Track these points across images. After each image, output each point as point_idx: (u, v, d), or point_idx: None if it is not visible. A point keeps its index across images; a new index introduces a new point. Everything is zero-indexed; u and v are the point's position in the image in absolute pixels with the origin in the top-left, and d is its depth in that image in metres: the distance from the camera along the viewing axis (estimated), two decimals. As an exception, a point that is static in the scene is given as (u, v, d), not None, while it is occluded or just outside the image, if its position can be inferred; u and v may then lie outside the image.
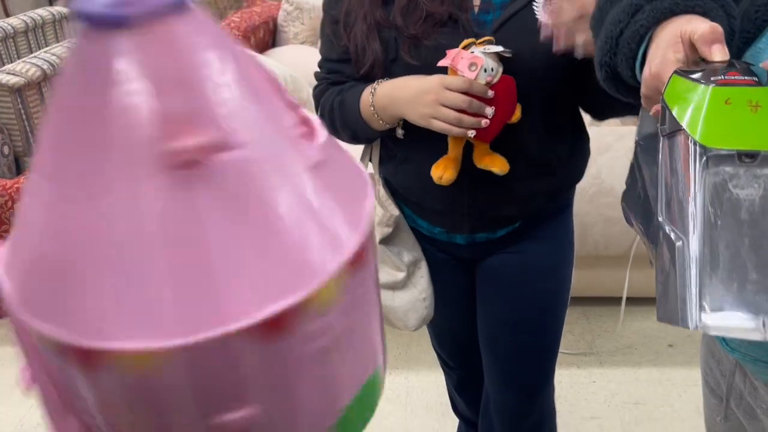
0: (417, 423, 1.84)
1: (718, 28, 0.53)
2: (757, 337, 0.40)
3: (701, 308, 0.42)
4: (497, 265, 1.21)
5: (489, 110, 0.97)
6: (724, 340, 0.75)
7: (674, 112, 0.48)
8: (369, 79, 1.12)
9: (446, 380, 1.53)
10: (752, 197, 0.43)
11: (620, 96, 0.69)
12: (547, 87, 1.04)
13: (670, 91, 0.50)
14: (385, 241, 1.19)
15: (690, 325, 0.41)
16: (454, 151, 1.04)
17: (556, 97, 1.06)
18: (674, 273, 0.44)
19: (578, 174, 1.17)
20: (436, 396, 1.92)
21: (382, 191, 1.20)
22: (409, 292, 1.21)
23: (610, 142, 1.93)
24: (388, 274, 1.19)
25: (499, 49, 0.96)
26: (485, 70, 0.96)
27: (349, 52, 1.10)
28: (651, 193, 0.55)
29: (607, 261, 1.97)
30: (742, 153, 0.44)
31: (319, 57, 1.20)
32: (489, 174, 1.04)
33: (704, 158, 0.44)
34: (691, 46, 0.54)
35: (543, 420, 1.31)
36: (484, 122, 0.97)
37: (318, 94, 1.20)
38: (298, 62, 2.72)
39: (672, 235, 0.45)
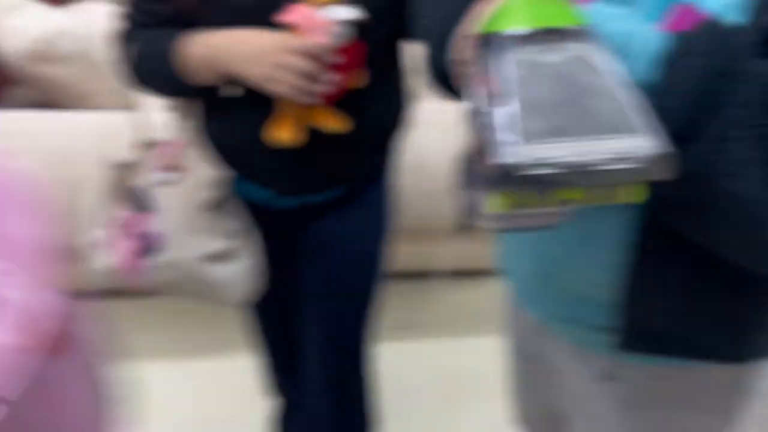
0: (237, 408, 1.73)
1: None
2: (582, 157, 0.40)
3: (518, 141, 0.42)
4: (323, 229, 1.17)
5: (334, 77, 0.92)
6: (525, 300, 0.76)
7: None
8: (187, 21, 1.00)
9: (265, 362, 1.44)
10: (560, 60, 0.46)
11: (449, 94, 0.69)
12: (390, 48, 1.02)
13: (484, 26, 0.52)
14: (211, 206, 1.08)
15: (505, 158, 0.41)
16: (290, 108, 0.97)
17: (395, 58, 1.04)
18: (490, 129, 0.44)
19: (403, 127, 1.17)
20: (251, 379, 1.82)
21: (204, 151, 1.10)
22: (237, 263, 1.12)
23: (430, 117, 1.95)
24: (214, 243, 1.08)
25: (355, 14, 0.90)
26: (334, 35, 0.89)
27: None
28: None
29: (426, 235, 2.01)
30: (543, 30, 0.47)
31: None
32: (323, 133, 0.99)
33: (510, 39, 0.47)
34: None
35: (361, 388, 1.29)
36: (328, 89, 0.93)
37: (122, 37, 1.05)
38: (101, 20, 2.45)
39: (484, 107, 0.46)
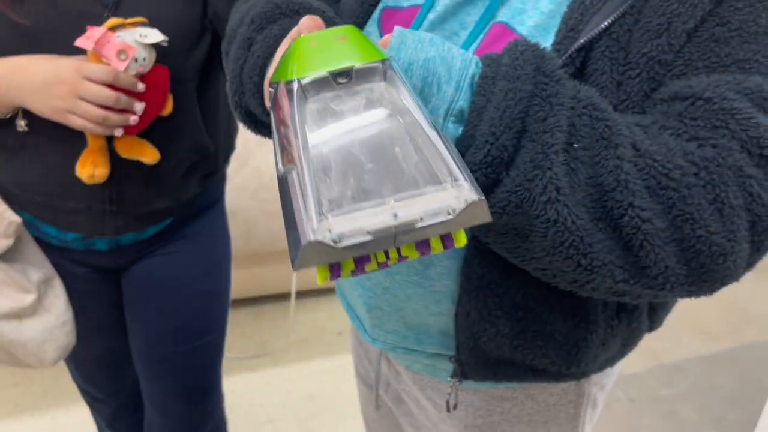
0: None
1: (317, 17, 0.53)
2: (389, 221, 0.37)
3: (320, 212, 0.37)
4: (148, 270, 1.06)
5: (139, 106, 0.85)
6: (366, 332, 0.74)
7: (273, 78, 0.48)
8: None
9: (94, 416, 1.30)
10: (355, 107, 0.42)
11: (262, 135, 0.66)
12: (200, 68, 0.94)
13: (274, 75, 0.49)
14: (5, 257, 0.94)
15: (311, 236, 0.36)
16: (97, 141, 0.88)
17: (204, 76, 0.96)
18: (291, 200, 0.40)
19: (230, 149, 1.10)
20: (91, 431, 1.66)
21: None
22: (42, 319, 0.98)
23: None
24: (12, 299, 0.94)
25: (159, 38, 0.83)
26: (136, 60, 0.81)
27: None
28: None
29: (272, 257, 1.94)
30: (335, 73, 0.43)
31: None
32: (136, 163, 0.89)
33: (299, 88, 0.43)
34: None
35: (218, 427, 1.20)
36: (133, 119, 0.85)
37: None
38: None
39: (285, 171, 0.42)
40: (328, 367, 1.95)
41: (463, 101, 0.48)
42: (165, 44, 0.85)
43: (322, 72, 0.43)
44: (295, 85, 0.43)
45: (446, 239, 0.42)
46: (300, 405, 1.80)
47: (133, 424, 1.27)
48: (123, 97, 0.82)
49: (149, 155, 0.90)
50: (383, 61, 0.44)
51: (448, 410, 0.70)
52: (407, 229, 0.38)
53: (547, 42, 0.53)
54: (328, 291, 2.25)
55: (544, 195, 0.46)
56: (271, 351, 1.98)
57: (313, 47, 0.45)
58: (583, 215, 0.47)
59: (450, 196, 0.38)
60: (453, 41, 0.59)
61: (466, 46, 0.58)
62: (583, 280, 0.50)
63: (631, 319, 0.62)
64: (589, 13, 0.52)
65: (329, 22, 0.58)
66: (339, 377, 1.92)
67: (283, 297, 2.02)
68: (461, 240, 0.42)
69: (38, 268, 0.99)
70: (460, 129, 0.48)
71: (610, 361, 0.66)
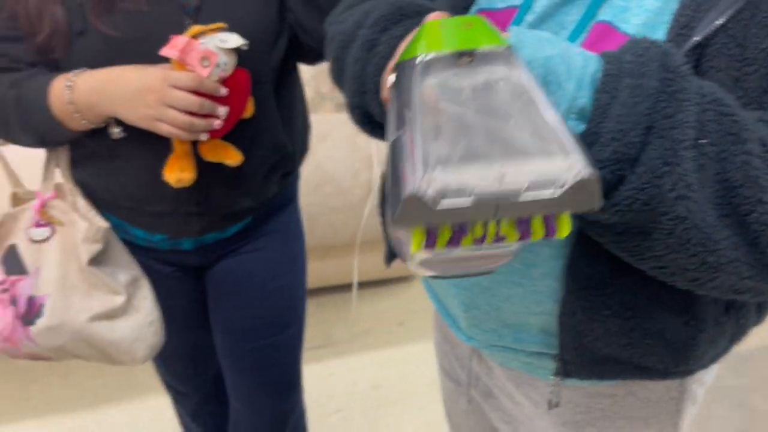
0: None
1: (446, 13, 0.53)
2: (495, 185, 0.36)
3: (427, 167, 0.36)
4: (230, 268, 1.09)
5: (222, 110, 0.87)
6: (460, 330, 0.74)
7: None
8: (49, 61, 0.90)
9: (177, 409, 1.35)
10: (473, 84, 0.42)
11: (378, 137, 0.66)
12: (277, 70, 0.96)
13: (398, 59, 0.49)
14: (95, 260, 0.98)
15: (414, 187, 0.35)
16: (183, 147, 0.90)
17: (280, 78, 0.98)
18: (400, 161, 0.39)
19: (305, 149, 1.13)
20: (167, 422, 1.72)
21: (81, 201, 0.98)
22: (132, 319, 1.02)
23: (328, 130, 1.91)
24: (102, 301, 0.98)
25: (239, 42, 0.85)
26: (218, 66, 0.83)
27: (16, 25, 0.88)
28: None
29: (334, 250, 1.97)
30: (458, 53, 0.43)
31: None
32: (220, 165, 0.92)
33: (422, 64, 0.43)
34: None
35: (299, 421, 1.24)
36: (217, 124, 0.87)
37: None
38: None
39: (397, 136, 0.42)
40: (391, 358, 1.97)
41: (584, 99, 0.48)
42: (245, 48, 0.87)
43: (445, 51, 0.44)
44: (418, 60, 0.44)
45: (549, 225, 0.41)
46: (365, 395, 1.83)
47: (215, 416, 1.31)
48: (207, 102, 0.84)
49: (233, 157, 0.93)
50: (507, 48, 0.44)
51: (550, 408, 0.70)
52: (511, 198, 0.37)
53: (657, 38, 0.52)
54: (388, 282, 2.28)
55: (674, 191, 0.45)
56: (334, 342, 2.01)
57: (440, 30, 0.45)
58: (710, 212, 0.47)
59: (561, 168, 0.37)
60: None
61: None
62: (706, 278, 0.49)
63: (739, 315, 0.61)
64: (702, 10, 0.51)
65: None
66: (402, 368, 1.94)
67: (345, 288, 2.05)
68: (564, 228, 0.41)
69: (126, 270, 1.03)
70: (582, 126, 0.48)
71: (716, 358, 0.65)
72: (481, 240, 0.41)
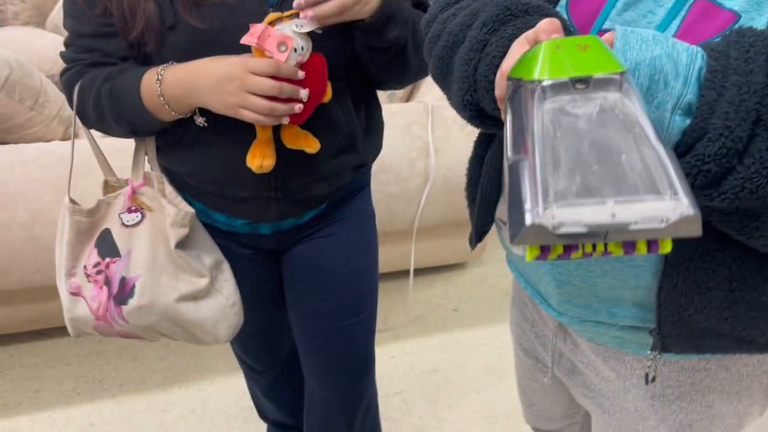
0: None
1: (556, 20, 0.54)
2: (606, 219, 0.40)
3: (546, 200, 0.41)
4: (306, 252, 1.13)
5: (303, 93, 0.88)
6: (550, 307, 0.77)
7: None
8: (140, 55, 0.94)
9: (251, 386, 1.41)
10: (589, 113, 0.45)
11: (488, 129, 0.69)
12: (350, 58, 0.98)
13: (513, 70, 0.52)
14: (182, 244, 1.03)
15: (536, 219, 0.40)
16: (265, 134, 0.94)
17: (355, 68, 1.00)
18: (520, 186, 0.44)
19: (379, 144, 1.14)
20: (234, 402, 1.79)
21: (168, 188, 1.03)
22: (215, 300, 1.07)
23: (385, 119, 1.94)
24: (188, 282, 1.03)
25: (313, 26, 0.87)
26: (295, 50, 0.86)
27: (109, 22, 0.92)
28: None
29: (392, 237, 2.00)
30: (575, 80, 0.46)
31: (49, 38, 0.97)
32: (299, 153, 0.96)
33: (540, 89, 0.46)
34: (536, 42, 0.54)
35: (371, 404, 1.28)
36: (298, 107, 0.89)
37: (71, 80, 0.98)
38: (23, 46, 2.30)
39: (518, 158, 0.46)
40: (447, 342, 2.00)
41: (691, 95, 0.50)
42: (319, 32, 0.89)
43: (563, 77, 0.47)
44: (538, 86, 0.47)
45: (652, 243, 0.44)
46: (424, 378, 1.87)
47: (287, 394, 1.36)
48: (286, 86, 0.86)
49: (312, 145, 0.96)
50: (621, 74, 0.47)
51: (647, 383, 0.72)
52: (620, 229, 0.41)
53: (763, 17, 0.54)
54: (442, 269, 2.31)
55: None
56: (392, 326, 2.05)
57: (557, 52, 0.48)
58: None
59: (667, 207, 0.41)
60: (648, 20, 0.61)
61: (665, 25, 0.59)
62: None
63: None
64: None
65: (563, 25, 0.60)
66: (458, 352, 1.97)
67: (402, 274, 2.08)
68: (666, 247, 0.44)
69: (210, 253, 1.08)
70: (687, 121, 0.50)
71: None
72: (590, 255, 0.46)
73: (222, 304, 1.08)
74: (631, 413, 0.79)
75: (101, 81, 0.95)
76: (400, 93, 2.32)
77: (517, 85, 0.50)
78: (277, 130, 0.94)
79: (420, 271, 2.22)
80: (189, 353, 1.95)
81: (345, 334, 1.17)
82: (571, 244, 0.44)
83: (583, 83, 0.46)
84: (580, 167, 0.43)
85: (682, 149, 0.51)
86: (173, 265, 1.03)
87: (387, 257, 2.06)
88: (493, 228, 0.83)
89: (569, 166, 0.43)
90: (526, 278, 0.82)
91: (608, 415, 0.82)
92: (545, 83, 0.47)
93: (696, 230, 0.42)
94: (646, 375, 0.71)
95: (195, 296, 1.05)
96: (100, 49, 0.96)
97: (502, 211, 0.60)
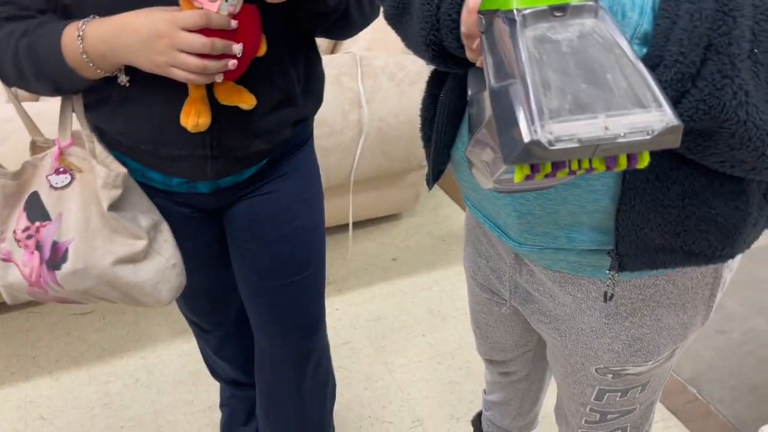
0: (167, 401, 1.66)
1: None
2: (600, 133, 0.43)
3: (542, 118, 0.43)
4: (248, 210, 1.10)
5: (236, 48, 0.83)
6: (510, 238, 0.79)
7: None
8: (59, 7, 0.88)
9: (201, 345, 1.39)
10: (570, 37, 0.47)
11: (449, 69, 0.69)
12: (285, 8, 0.94)
13: (484, 3, 0.53)
14: (115, 206, 0.98)
15: (534, 136, 0.42)
16: (198, 91, 0.89)
17: (292, 19, 0.97)
18: (511, 108, 0.45)
19: (319, 98, 1.11)
20: (181, 367, 1.76)
21: (98, 147, 0.98)
22: (154, 262, 1.03)
23: (314, 71, 1.90)
24: (125, 245, 0.99)
25: None
26: (226, 0, 0.81)
27: None
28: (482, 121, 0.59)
29: (329, 191, 1.98)
30: (553, 7, 0.48)
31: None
32: (234, 109, 0.92)
33: (521, 17, 0.47)
34: None
35: (322, 356, 1.28)
36: (232, 63, 0.84)
37: None
38: None
39: (504, 85, 0.48)
40: (389, 291, 2.03)
41: (647, 24, 0.53)
42: None
43: (542, 5, 0.48)
44: (519, 14, 0.48)
45: (632, 158, 0.48)
46: (369, 327, 1.90)
47: (239, 351, 1.35)
48: (219, 42, 0.81)
49: (247, 101, 0.92)
50: (595, 1, 0.49)
51: (606, 301, 0.76)
52: (610, 142, 0.44)
53: None
54: (378, 221, 2.32)
55: (735, 99, 0.51)
56: (334, 279, 2.06)
57: None
58: (767, 109, 0.52)
59: (654, 118, 0.44)
60: None
61: None
62: (764, 166, 0.55)
63: None
64: None
65: None
66: (400, 299, 2.01)
67: (341, 228, 2.08)
68: (644, 161, 0.47)
69: (147, 214, 1.03)
70: (644, 50, 0.53)
71: (751, 242, 0.71)
72: (574, 173, 0.48)
73: (162, 265, 1.04)
74: (586, 333, 0.83)
75: (18, 36, 0.88)
76: (323, 45, 2.28)
77: (491, 17, 0.51)
78: (210, 86, 0.90)
79: (358, 224, 2.23)
80: (127, 323, 1.89)
81: (293, 290, 1.16)
82: (560, 161, 0.46)
83: (560, 11, 0.48)
84: (569, 87, 0.45)
85: None
86: (107, 227, 0.99)
87: (326, 213, 2.06)
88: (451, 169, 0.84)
89: (559, 87, 0.45)
90: (485, 213, 0.83)
91: (564, 337, 0.86)
92: (526, 11, 0.48)
93: (676, 141, 0.44)
94: (605, 293, 0.75)
95: (132, 259, 1.01)
96: (15, 2, 0.89)
97: (471, 151, 0.61)
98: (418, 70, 1.97)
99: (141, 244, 1.01)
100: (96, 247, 0.97)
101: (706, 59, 0.51)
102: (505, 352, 1.09)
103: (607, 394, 0.90)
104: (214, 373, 1.45)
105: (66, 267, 0.96)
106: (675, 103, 0.53)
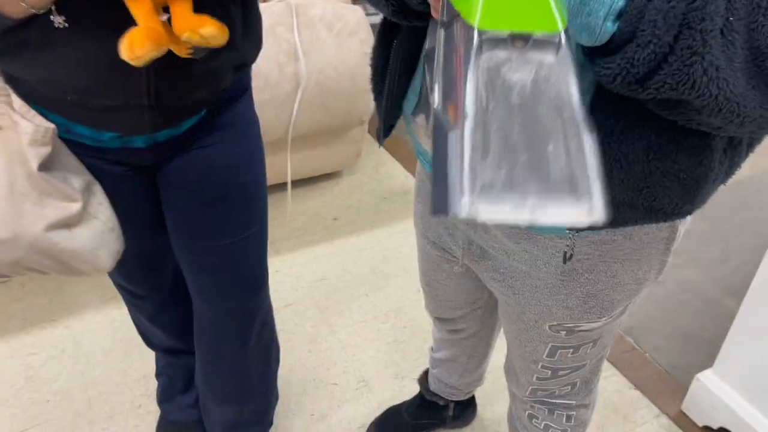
0: (98, 372, 1.57)
1: None
2: (525, 217, 0.40)
3: (473, 193, 0.41)
4: (185, 165, 1.02)
5: None
6: None
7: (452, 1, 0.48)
8: None
9: (133, 313, 1.31)
10: (524, 81, 0.44)
11: (409, 23, 0.67)
12: None
13: None
14: (44, 165, 0.89)
15: (461, 211, 0.40)
16: (147, 18, 0.78)
17: None
18: (447, 160, 0.43)
19: (259, 41, 1.03)
20: (111, 335, 1.67)
21: (17, 101, 0.87)
22: (91, 226, 0.95)
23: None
24: (57, 208, 0.90)
25: None
26: None
27: None
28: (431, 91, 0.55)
29: (266, 147, 1.90)
30: (515, 36, 0.43)
31: None
32: (170, 55, 0.83)
33: (478, 42, 0.44)
34: None
35: (266, 320, 1.23)
36: None
37: None
38: None
39: (447, 123, 0.45)
40: (331, 251, 1.99)
41: (621, 2, 0.50)
42: None
43: (503, 31, 0.43)
44: (476, 37, 0.43)
45: None
46: (312, 288, 1.85)
47: (175, 317, 1.28)
48: None
49: (214, 26, 0.80)
50: (562, 32, 0.44)
51: (565, 262, 0.74)
52: (536, 224, 0.42)
53: None
54: (318, 179, 2.25)
55: (705, 76, 0.50)
56: (273, 240, 1.98)
57: None
58: (740, 80, 0.51)
59: (581, 213, 0.41)
60: None
61: None
62: (731, 129, 0.55)
63: (734, 154, 0.65)
64: None
65: None
66: (343, 259, 1.97)
67: (278, 187, 2.01)
68: None
69: (78, 174, 0.94)
70: (617, 25, 0.51)
71: (707, 199, 0.70)
72: None
73: (99, 229, 0.96)
74: (541, 290, 0.81)
75: None
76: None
77: (451, 13, 0.47)
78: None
79: (297, 183, 2.15)
80: (49, 291, 1.77)
81: (233, 251, 1.10)
82: None
83: (522, 41, 0.43)
84: (507, 157, 0.41)
85: (611, 47, 0.52)
86: (36, 190, 0.89)
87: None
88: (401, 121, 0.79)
89: (498, 154, 0.41)
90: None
91: (518, 295, 0.84)
92: (484, 36, 0.43)
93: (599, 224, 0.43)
94: (564, 254, 0.72)
95: (67, 223, 0.92)
96: None
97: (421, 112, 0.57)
98: (358, 20, 1.89)
99: (75, 206, 0.92)
100: (25, 212, 0.88)
101: (678, 36, 0.50)
102: (455, 310, 1.07)
103: (560, 350, 0.89)
104: (148, 341, 1.38)
105: None
106: (646, 78, 0.51)
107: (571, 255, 0.72)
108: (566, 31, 0.44)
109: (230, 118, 1.03)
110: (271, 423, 1.38)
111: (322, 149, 2.11)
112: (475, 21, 0.43)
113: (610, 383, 1.63)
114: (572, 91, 0.43)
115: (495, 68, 0.43)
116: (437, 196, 0.42)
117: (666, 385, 1.64)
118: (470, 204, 0.40)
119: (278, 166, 1.96)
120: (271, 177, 2.00)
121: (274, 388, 1.35)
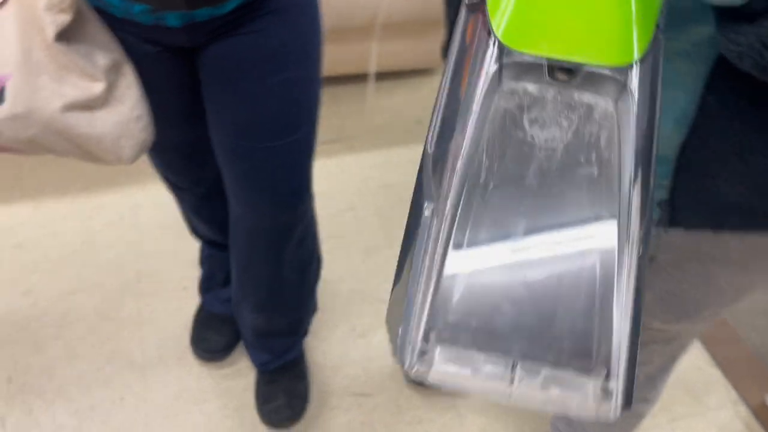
0: (152, 247, 1.56)
1: None
2: (500, 388, 0.26)
3: (428, 340, 0.28)
4: (227, 52, 0.90)
5: None
6: None
7: None
8: None
9: (178, 203, 1.25)
10: (553, 144, 0.28)
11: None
12: None
13: None
14: (64, 36, 0.79)
15: (404, 363, 0.28)
16: None
17: None
18: (410, 260, 0.31)
19: None
20: (172, 212, 1.63)
21: None
22: (115, 111, 0.86)
23: None
24: (77, 87, 0.81)
25: None
26: None
27: None
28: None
29: (350, 33, 1.73)
30: (554, 64, 0.27)
31: None
32: None
33: (497, 64, 0.28)
34: None
35: (306, 234, 1.13)
36: None
37: None
38: None
39: (426, 189, 0.34)
40: (406, 157, 1.84)
41: None
42: None
43: (540, 54, 0.27)
44: (493, 54, 0.28)
45: None
46: (378, 194, 1.74)
47: (216, 211, 1.21)
48: None
49: None
50: (628, 67, 0.27)
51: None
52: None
53: None
54: (408, 74, 2.07)
55: None
56: (347, 136, 1.87)
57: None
58: None
59: (587, 395, 0.26)
60: None
61: None
62: None
63: None
64: None
65: None
66: (416, 168, 1.82)
67: (361, 78, 1.85)
68: None
69: (106, 51, 0.84)
70: None
71: None
72: None
73: (125, 116, 0.87)
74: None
75: None
76: None
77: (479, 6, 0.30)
78: None
79: (381, 76, 1.98)
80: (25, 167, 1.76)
81: (273, 156, 0.98)
82: None
83: (567, 73, 0.27)
84: (492, 289, 0.28)
85: (746, 11, 0.36)
86: (54, 62, 0.80)
87: (343, 57, 1.81)
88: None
89: (479, 282, 0.29)
90: None
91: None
92: (507, 57, 0.27)
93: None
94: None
95: (88, 105, 0.84)
96: None
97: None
98: None
99: (98, 87, 0.83)
100: (40, 86, 0.80)
101: None
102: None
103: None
104: (193, 229, 1.33)
105: (3, 109, 0.80)
106: None
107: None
108: (636, 66, 0.27)
109: (284, 2, 0.88)
110: (306, 333, 1.33)
111: (414, 41, 1.90)
112: (499, 27, 0.27)
113: (688, 356, 1.45)
114: (624, 178, 0.27)
115: (515, 113, 0.29)
116: (393, 306, 0.32)
117: (753, 369, 1.44)
118: (422, 356, 0.28)
119: (361, 54, 1.80)
120: (352, 66, 1.85)
121: (310, 302, 1.28)
